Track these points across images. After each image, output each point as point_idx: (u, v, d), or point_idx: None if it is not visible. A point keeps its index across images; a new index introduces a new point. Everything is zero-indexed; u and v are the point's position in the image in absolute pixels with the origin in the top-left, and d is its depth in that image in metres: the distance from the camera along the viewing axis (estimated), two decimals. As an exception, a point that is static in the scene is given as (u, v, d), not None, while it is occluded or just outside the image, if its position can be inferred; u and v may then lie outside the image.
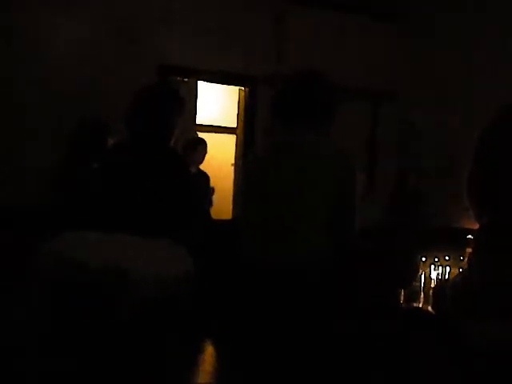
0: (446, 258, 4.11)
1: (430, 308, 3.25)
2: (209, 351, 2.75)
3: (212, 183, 6.99)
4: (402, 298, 3.53)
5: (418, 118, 7.66)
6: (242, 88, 7.75)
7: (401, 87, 7.75)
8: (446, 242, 4.35)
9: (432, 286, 3.77)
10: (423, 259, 4.08)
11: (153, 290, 2.73)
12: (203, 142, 6.85)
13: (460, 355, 2.20)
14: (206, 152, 6.80)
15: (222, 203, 7.37)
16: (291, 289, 2.58)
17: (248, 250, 2.77)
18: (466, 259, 2.65)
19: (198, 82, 7.53)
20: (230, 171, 8.27)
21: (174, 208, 2.96)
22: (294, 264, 2.61)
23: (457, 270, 3.73)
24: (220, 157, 8.50)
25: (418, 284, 3.76)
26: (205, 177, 6.86)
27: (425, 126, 7.57)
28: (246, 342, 2.62)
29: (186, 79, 7.29)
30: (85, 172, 3.92)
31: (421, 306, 3.53)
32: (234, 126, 8.22)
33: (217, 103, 9.06)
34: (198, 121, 7.90)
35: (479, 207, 2.34)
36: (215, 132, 8.83)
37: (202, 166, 6.87)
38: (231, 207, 7.73)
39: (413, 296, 3.64)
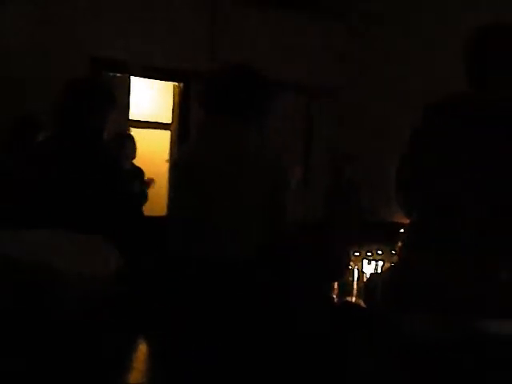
0: (379, 252, 4.15)
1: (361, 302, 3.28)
2: (141, 350, 2.72)
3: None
4: (334, 292, 3.57)
5: (353, 112, 7.76)
6: (177, 83, 7.70)
7: (338, 83, 7.84)
8: (380, 235, 4.40)
9: (365, 280, 3.81)
10: (356, 253, 4.12)
11: (84, 288, 2.68)
12: (130, 137, 6.76)
13: (390, 348, 2.23)
14: (135, 147, 6.70)
15: (157, 199, 7.31)
16: (221, 283, 2.57)
17: (178, 244, 2.75)
18: (397, 253, 2.69)
19: (132, 76, 7.46)
20: (164, 167, 8.20)
21: (104, 204, 2.92)
22: (224, 258, 2.60)
23: (389, 264, 3.77)
24: (154, 153, 8.42)
25: (351, 278, 3.79)
26: (139, 172, 6.79)
27: (360, 120, 7.68)
28: (178, 339, 2.60)
29: (118, 74, 7.21)
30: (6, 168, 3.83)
31: (354, 300, 3.56)
32: (169, 121, 8.16)
33: (151, 99, 8.98)
34: (132, 116, 7.82)
35: (408, 203, 2.38)
36: (149, 128, 8.75)
37: (136, 163, 6.79)
38: (166, 203, 7.67)
39: (346, 290, 3.67)
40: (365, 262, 4.02)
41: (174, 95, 7.85)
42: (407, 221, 2.41)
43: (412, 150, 2.34)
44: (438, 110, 2.33)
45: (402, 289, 2.23)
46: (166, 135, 8.32)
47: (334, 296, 3.58)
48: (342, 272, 3.51)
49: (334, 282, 3.47)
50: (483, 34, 2.36)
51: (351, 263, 3.88)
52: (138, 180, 6.63)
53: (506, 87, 2.28)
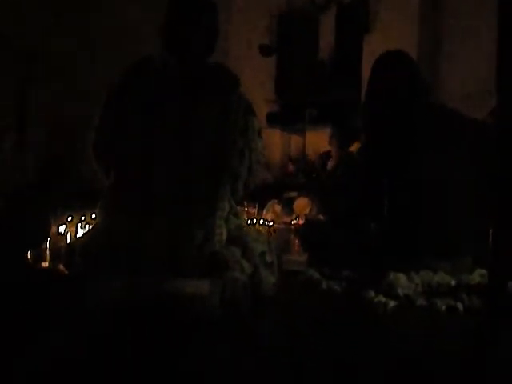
0: (93, 216, 4.12)
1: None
2: None
3: None
4: (45, 258, 3.47)
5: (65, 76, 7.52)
6: None
7: (50, 43, 7.54)
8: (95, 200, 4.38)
9: (76, 245, 3.74)
10: (69, 218, 4.06)
11: None
12: None
13: (89, 313, 2.22)
14: None
15: None
16: None
17: None
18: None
19: None
20: None
21: None
22: None
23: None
24: None
25: (63, 244, 3.72)
26: None
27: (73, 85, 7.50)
28: None
29: None
30: None
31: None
32: None
33: None
34: None
35: (102, 166, 2.40)
36: None
37: None
38: None
39: (58, 256, 3.59)
40: (78, 226, 3.98)
41: None
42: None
43: (103, 115, 2.37)
44: (127, 75, 2.37)
45: (98, 252, 2.24)
46: None
47: (47, 263, 3.48)
48: (43, 238, 3.42)
49: (34, 248, 3.37)
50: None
51: (65, 228, 3.80)
52: None
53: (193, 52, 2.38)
